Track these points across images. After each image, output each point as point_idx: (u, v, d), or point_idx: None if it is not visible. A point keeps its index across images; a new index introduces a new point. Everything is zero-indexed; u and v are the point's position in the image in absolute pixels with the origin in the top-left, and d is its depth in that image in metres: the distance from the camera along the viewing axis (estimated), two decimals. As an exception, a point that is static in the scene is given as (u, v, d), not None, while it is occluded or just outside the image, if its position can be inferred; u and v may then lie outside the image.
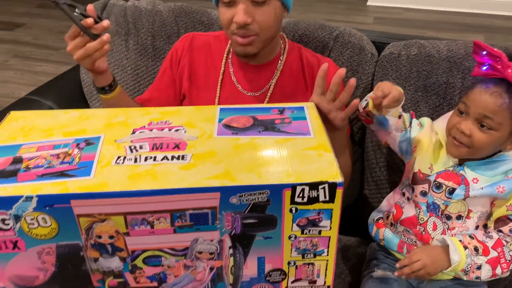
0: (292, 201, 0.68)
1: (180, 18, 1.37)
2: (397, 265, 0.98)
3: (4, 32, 3.62)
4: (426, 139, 1.04)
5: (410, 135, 1.06)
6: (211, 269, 0.75)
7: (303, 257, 0.76)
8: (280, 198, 0.68)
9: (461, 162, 0.99)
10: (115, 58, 1.39)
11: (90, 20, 0.88)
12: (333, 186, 0.67)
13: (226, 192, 0.66)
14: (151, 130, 0.78)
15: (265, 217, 0.69)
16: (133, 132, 0.78)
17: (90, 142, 0.75)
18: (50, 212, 0.65)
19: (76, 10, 0.88)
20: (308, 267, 0.78)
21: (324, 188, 0.67)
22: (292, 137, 0.78)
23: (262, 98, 1.12)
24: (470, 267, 0.93)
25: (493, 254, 0.93)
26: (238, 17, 0.96)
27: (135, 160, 0.70)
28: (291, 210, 0.69)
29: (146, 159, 0.71)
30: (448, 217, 0.99)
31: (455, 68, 1.16)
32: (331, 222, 0.72)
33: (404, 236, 1.05)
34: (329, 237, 0.74)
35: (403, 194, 1.08)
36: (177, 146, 0.74)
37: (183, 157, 0.71)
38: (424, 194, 1.02)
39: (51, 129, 0.79)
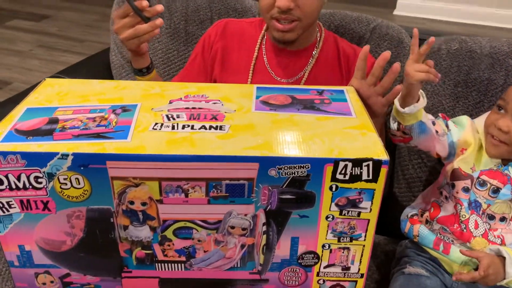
0: (333, 178, 0.66)
1: (214, 4, 1.36)
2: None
3: (32, 23, 3.69)
4: (471, 139, 1.00)
5: (452, 139, 1.01)
6: (242, 246, 0.73)
7: (338, 241, 0.73)
8: (321, 173, 0.65)
9: (505, 163, 0.96)
10: (146, 41, 1.39)
11: (145, 3, 0.88)
12: (378, 164, 0.65)
13: (265, 163, 0.64)
14: (188, 101, 0.77)
15: (304, 194, 0.67)
16: (170, 103, 0.77)
17: (126, 109, 0.74)
18: (84, 173, 0.63)
19: None
20: (343, 252, 0.75)
21: (368, 165, 0.65)
22: (333, 116, 0.75)
23: (299, 81, 1.11)
24: None
25: None
26: (281, 2, 0.95)
27: (173, 128, 0.69)
28: (331, 188, 0.67)
29: (183, 127, 0.69)
30: (491, 217, 0.96)
31: (498, 65, 1.12)
32: (372, 203, 0.69)
33: (441, 234, 1.01)
34: (368, 220, 0.71)
35: (441, 193, 1.04)
36: (214, 118, 0.72)
37: (221, 128, 0.69)
38: (466, 190, 0.97)
39: (87, 95, 0.78)
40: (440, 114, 1.06)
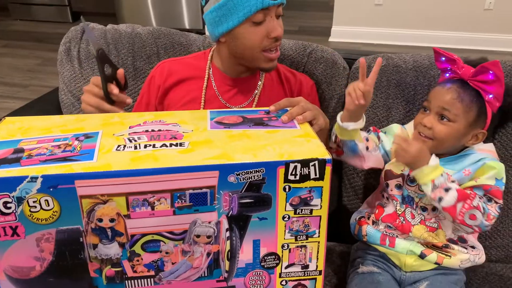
0: (286, 179, 0.73)
1: (159, 39, 1.43)
2: (395, 140, 1.01)
3: (-30, 72, 3.59)
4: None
5: (385, 149, 1.13)
6: (208, 254, 0.78)
7: (296, 239, 0.80)
8: (275, 176, 0.73)
9: None
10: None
11: (115, 91, 0.95)
12: (322, 163, 0.73)
13: (224, 170, 0.70)
14: (147, 126, 0.83)
15: (261, 196, 0.74)
16: (130, 128, 0.82)
17: (89, 136, 0.78)
18: (54, 194, 0.67)
19: (106, 67, 0.96)
20: (301, 250, 0.82)
21: (314, 165, 0.73)
22: (280, 129, 0.84)
23: (250, 104, 1.18)
24: (440, 184, 0.95)
25: (466, 191, 0.96)
26: (278, 31, 1.03)
27: (135, 148, 0.74)
28: (284, 189, 0.74)
29: (146, 146, 0.75)
30: (424, 209, 1.06)
31: (422, 77, 1.25)
32: (321, 200, 0.77)
33: (386, 232, 1.09)
34: (320, 216, 0.79)
35: (383, 195, 1.15)
36: (174, 137, 0.78)
37: (181, 144, 0.76)
38: (399, 187, 1.08)
39: (49, 128, 0.82)
40: (371, 128, 1.17)
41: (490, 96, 1.01)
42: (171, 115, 0.89)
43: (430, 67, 1.26)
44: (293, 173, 0.73)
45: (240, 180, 0.72)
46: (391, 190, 1.10)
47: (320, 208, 0.78)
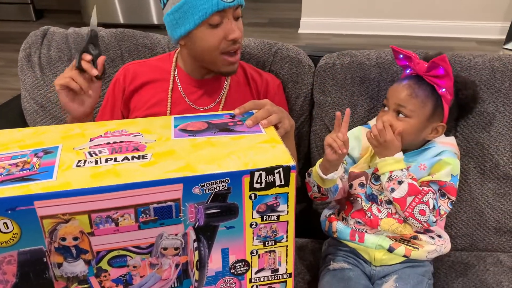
0: (251, 188, 0.73)
1: (122, 42, 1.40)
2: (372, 129, 1.05)
3: None
4: (368, 145, 1.13)
5: (354, 158, 1.16)
6: (177, 266, 0.77)
7: (264, 245, 0.80)
8: (240, 185, 0.72)
9: None
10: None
11: (88, 57, 0.99)
12: (287, 170, 0.73)
13: (188, 182, 0.70)
14: (108, 137, 0.81)
15: (227, 206, 0.74)
16: (91, 140, 0.80)
17: (48, 151, 0.76)
18: (12, 216, 0.65)
19: (91, 47, 0.99)
20: (270, 255, 0.82)
21: (279, 172, 0.73)
22: (245, 134, 0.84)
23: (217, 108, 1.17)
24: (396, 177, 1.00)
25: (417, 186, 1.00)
26: (236, 33, 1.02)
27: (96, 162, 0.72)
28: (250, 197, 0.74)
29: (106, 160, 0.73)
30: (389, 202, 1.08)
31: (385, 73, 1.26)
32: (287, 206, 0.77)
33: (356, 228, 1.11)
34: (287, 221, 0.79)
35: (350, 193, 1.16)
36: (136, 149, 0.77)
37: (143, 157, 0.74)
38: (362, 185, 1.10)
39: (6, 144, 0.79)
40: None
41: (443, 90, 1.03)
42: (134, 123, 0.88)
43: (392, 63, 1.28)
44: (258, 181, 0.72)
45: (205, 191, 0.71)
46: (355, 189, 1.12)
47: (287, 213, 0.78)
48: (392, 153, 1.02)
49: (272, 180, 0.73)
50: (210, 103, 1.17)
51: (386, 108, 1.08)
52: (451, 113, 1.08)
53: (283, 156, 0.75)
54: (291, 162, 0.73)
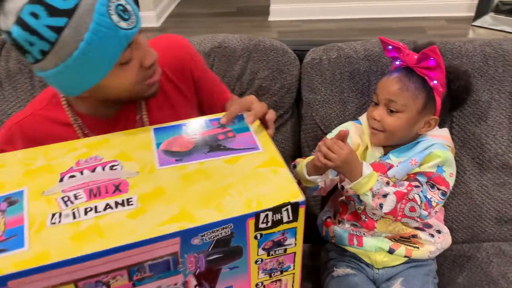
0: (257, 228, 0.62)
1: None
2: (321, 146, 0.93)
3: None
4: (358, 141, 1.05)
5: None
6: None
7: (270, 276, 0.71)
8: (244, 228, 0.61)
9: (386, 152, 1.02)
10: (21, 98, 1.22)
11: None
12: (295, 206, 0.62)
13: (186, 235, 0.58)
14: (82, 172, 0.67)
15: (230, 250, 0.62)
16: (61, 179, 0.65)
17: (12, 201, 0.62)
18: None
19: None
20: (276, 283, 0.73)
21: (287, 209, 0.62)
22: (241, 154, 0.70)
23: None
24: (378, 191, 0.91)
25: (402, 187, 0.93)
26: (151, 56, 0.80)
27: (74, 216, 0.59)
28: (256, 237, 0.63)
29: (86, 212, 0.60)
30: (380, 205, 0.97)
31: (374, 65, 1.16)
32: (295, 239, 0.67)
33: (353, 231, 1.04)
34: (295, 252, 0.69)
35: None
36: (117, 189, 0.63)
37: (128, 202, 0.61)
38: None
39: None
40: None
41: (435, 82, 0.96)
42: (107, 143, 0.73)
43: (381, 54, 1.17)
44: (264, 221, 0.61)
45: (206, 240, 0.59)
46: (347, 192, 1.03)
47: (295, 245, 0.68)
48: (357, 165, 0.92)
49: (279, 218, 0.62)
50: None
51: (376, 104, 1.00)
52: (443, 105, 1.00)
53: (290, 188, 0.64)
54: (299, 197, 0.62)
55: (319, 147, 0.93)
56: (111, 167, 0.68)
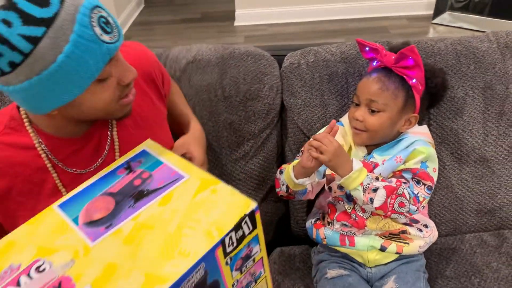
0: (225, 255, 0.59)
1: None
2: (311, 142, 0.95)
3: None
4: (342, 143, 1.05)
5: None
6: None
7: None
8: (215, 260, 0.58)
9: (370, 151, 1.03)
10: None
11: None
12: (252, 215, 0.60)
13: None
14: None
15: (208, 287, 0.59)
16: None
17: None
18: None
19: None
20: None
21: (246, 222, 0.60)
22: (169, 190, 0.64)
23: (112, 157, 0.85)
24: (368, 186, 0.92)
25: (391, 183, 0.94)
26: (131, 74, 0.75)
27: None
28: (226, 263, 0.60)
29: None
30: (371, 200, 0.99)
31: (351, 67, 1.16)
32: (259, 244, 0.65)
33: (343, 231, 1.04)
34: (262, 257, 0.68)
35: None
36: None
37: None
38: (341, 187, 1.02)
39: None
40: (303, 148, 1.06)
41: (414, 80, 0.97)
42: (14, 246, 0.60)
43: (357, 56, 1.18)
44: (230, 243, 0.59)
45: None
46: (335, 192, 1.04)
47: (260, 251, 0.66)
48: (347, 159, 0.93)
49: (242, 233, 0.60)
50: (101, 154, 0.84)
51: (358, 104, 1.01)
52: (422, 103, 1.02)
53: (238, 200, 0.61)
54: (252, 204, 0.60)
55: (308, 144, 0.93)
56: (38, 270, 0.56)
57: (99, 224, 0.60)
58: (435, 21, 3.21)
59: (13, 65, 0.62)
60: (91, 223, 0.60)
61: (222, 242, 0.56)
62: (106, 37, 0.67)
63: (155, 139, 0.77)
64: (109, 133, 0.84)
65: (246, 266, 0.64)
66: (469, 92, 1.15)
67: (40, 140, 0.79)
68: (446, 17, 3.17)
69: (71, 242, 0.58)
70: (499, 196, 1.18)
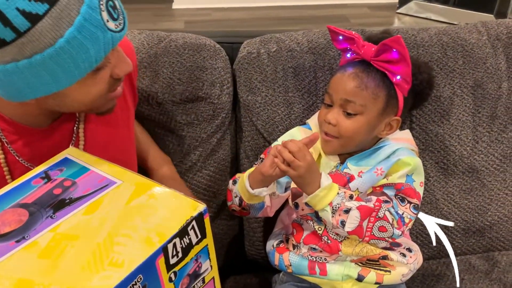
0: (168, 267, 0.53)
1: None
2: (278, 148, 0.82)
3: None
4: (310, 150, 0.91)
5: None
6: None
7: None
8: (156, 273, 0.52)
9: (343, 160, 0.91)
10: None
11: None
12: (200, 218, 0.55)
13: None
14: None
15: None
16: None
17: None
18: None
19: None
20: None
21: (193, 227, 0.55)
22: (98, 197, 0.58)
23: None
24: (339, 206, 0.82)
25: (370, 200, 0.84)
26: (126, 66, 0.69)
27: None
28: (170, 279, 0.54)
29: None
30: (342, 223, 0.87)
31: (320, 60, 1.01)
32: (210, 259, 0.60)
33: (311, 256, 0.91)
34: (213, 277, 0.62)
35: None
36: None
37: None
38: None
39: None
40: (262, 155, 0.97)
41: (398, 77, 0.85)
42: None
43: (328, 46, 1.03)
44: (174, 253, 0.53)
45: None
46: (302, 210, 0.92)
47: (211, 268, 0.61)
48: (316, 177, 0.82)
49: (188, 241, 0.55)
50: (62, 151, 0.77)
51: (330, 105, 0.88)
52: (405, 104, 0.89)
53: (183, 203, 0.57)
54: (199, 205, 0.56)
55: (278, 152, 0.81)
56: None
57: (8, 238, 0.54)
58: (400, 10, 3.15)
59: (1, 43, 0.56)
60: None
61: (164, 249, 0.52)
62: (112, 24, 0.61)
63: (121, 141, 0.78)
64: (74, 129, 0.78)
65: (194, 287, 0.59)
66: (457, 91, 1.03)
67: None
68: (412, 6, 3.12)
69: None
70: (490, 213, 1.08)
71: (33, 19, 0.55)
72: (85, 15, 0.57)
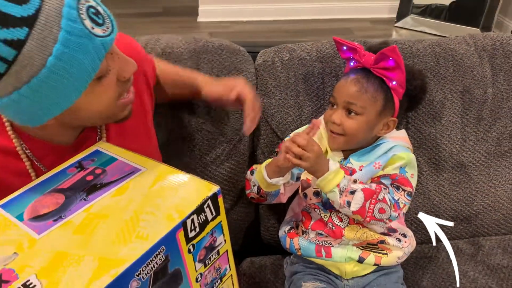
0: (187, 239, 0.57)
1: None
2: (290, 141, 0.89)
3: None
4: None
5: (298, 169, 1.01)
6: None
7: None
8: (176, 245, 0.55)
9: (346, 155, 0.98)
10: None
11: None
12: (214, 198, 0.59)
13: (122, 281, 0.49)
14: None
15: (170, 277, 0.56)
16: None
17: None
18: None
19: None
20: None
21: (209, 205, 0.58)
22: (125, 182, 0.61)
23: None
24: (345, 188, 0.88)
25: (371, 187, 0.90)
26: (131, 66, 0.69)
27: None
28: (189, 251, 0.58)
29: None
30: (348, 203, 0.93)
31: (328, 67, 1.10)
32: (223, 235, 0.64)
33: (318, 241, 0.98)
34: (226, 251, 0.66)
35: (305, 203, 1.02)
36: (1, 281, 0.49)
37: (28, 286, 0.48)
38: (317, 194, 0.97)
39: None
40: (277, 148, 1.03)
41: (394, 83, 0.93)
42: None
43: (334, 55, 1.12)
44: (192, 228, 0.57)
45: (143, 278, 0.51)
46: (310, 199, 0.99)
47: (225, 242, 0.65)
48: (325, 163, 0.88)
49: (205, 217, 0.58)
50: None
51: (334, 106, 0.96)
52: (401, 106, 0.97)
53: (199, 185, 0.60)
54: (213, 187, 0.59)
55: (288, 148, 0.87)
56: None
57: (46, 218, 0.57)
58: (398, 24, 3.26)
59: None
60: (37, 218, 0.57)
61: (183, 224, 0.55)
62: (98, 30, 0.59)
63: (142, 148, 0.74)
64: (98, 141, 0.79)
65: (210, 258, 0.62)
66: (448, 96, 1.12)
67: (22, 143, 0.71)
68: (408, 21, 3.23)
69: (14, 237, 0.55)
70: (475, 203, 1.16)
71: (17, 45, 0.53)
72: (67, 28, 0.55)
